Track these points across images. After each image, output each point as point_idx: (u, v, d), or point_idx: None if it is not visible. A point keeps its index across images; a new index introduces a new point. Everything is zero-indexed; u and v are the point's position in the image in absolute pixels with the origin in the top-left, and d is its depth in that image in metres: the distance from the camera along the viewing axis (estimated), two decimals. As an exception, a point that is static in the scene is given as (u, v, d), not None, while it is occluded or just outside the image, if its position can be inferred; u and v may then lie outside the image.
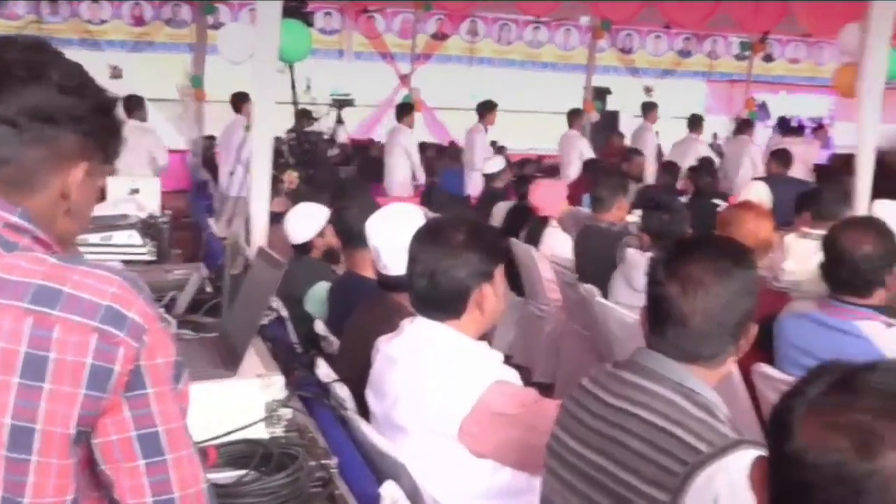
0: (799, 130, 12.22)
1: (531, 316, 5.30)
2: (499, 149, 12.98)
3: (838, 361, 1.03)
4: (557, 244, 5.05)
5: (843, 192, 4.61)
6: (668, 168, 8.00)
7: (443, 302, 1.98)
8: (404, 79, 12.32)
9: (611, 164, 8.29)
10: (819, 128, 13.91)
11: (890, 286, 2.69)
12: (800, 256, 4.29)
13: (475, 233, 2.02)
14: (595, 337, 4.08)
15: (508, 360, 2.06)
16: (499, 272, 2.04)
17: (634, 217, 6.51)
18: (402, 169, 8.98)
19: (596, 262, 4.33)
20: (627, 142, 10.16)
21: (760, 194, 5.49)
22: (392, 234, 2.48)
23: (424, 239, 2.02)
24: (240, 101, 8.43)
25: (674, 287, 1.61)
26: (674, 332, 1.61)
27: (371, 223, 2.56)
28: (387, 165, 9.11)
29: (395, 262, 2.47)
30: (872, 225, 2.78)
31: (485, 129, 9.42)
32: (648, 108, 10.61)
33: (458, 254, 1.96)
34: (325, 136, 9.80)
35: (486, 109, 9.45)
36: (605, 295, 3.90)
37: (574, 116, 9.87)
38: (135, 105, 7.81)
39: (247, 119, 8.82)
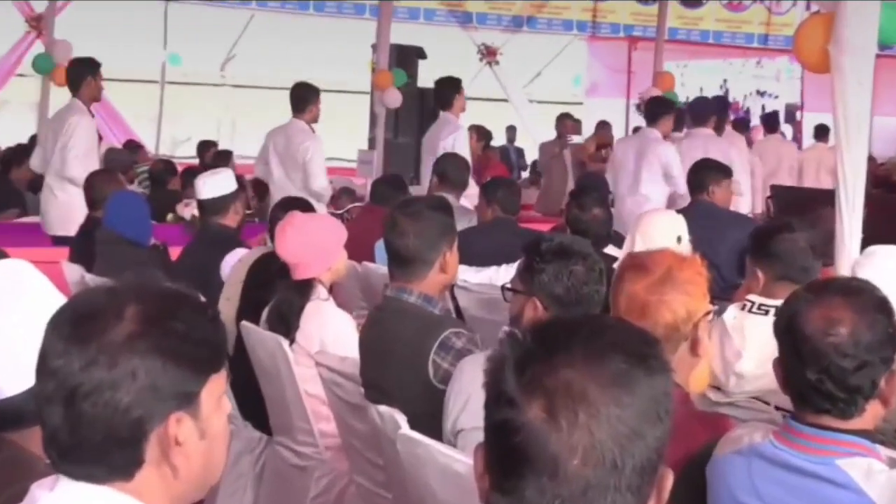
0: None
1: (283, 466, 5.28)
2: (220, 154, 12.94)
3: None
4: (329, 331, 5.09)
5: (821, 235, 4.87)
6: (493, 190, 7.84)
7: (96, 449, 1.95)
8: (38, 23, 12.11)
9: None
10: (739, 121, 14.52)
11: (889, 396, 2.86)
12: (758, 346, 4.43)
13: (161, 315, 2.00)
14: (399, 501, 4.10)
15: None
16: (210, 391, 2.04)
17: (472, 275, 6.64)
18: (70, 187, 8.99)
19: (400, 365, 4.36)
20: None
21: (670, 234, 5.62)
22: None
23: (65, 331, 1.98)
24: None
25: (535, 409, 1.65)
26: (536, 488, 1.65)
27: None
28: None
29: None
30: (855, 291, 2.92)
31: (311, 128, 9.62)
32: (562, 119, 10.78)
33: (122, 357, 1.94)
34: None
35: (308, 98, 9.57)
36: (416, 424, 3.94)
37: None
38: None
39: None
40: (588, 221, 6.65)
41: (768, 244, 4.82)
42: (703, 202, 7.62)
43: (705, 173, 7.80)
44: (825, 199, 7.65)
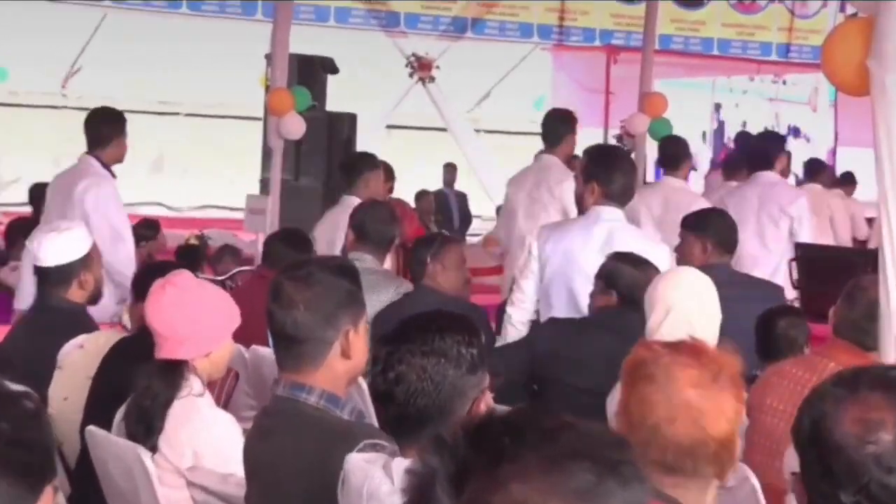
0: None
1: None
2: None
3: None
4: (205, 438, 5.20)
5: (862, 309, 5.35)
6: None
7: None
8: None
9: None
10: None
11: None
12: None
13: None
14: None
15: None
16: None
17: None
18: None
19: (300, 488, 4.47)
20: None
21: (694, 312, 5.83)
22: None
23: None
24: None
25: None
26: None
27: None
28: None
29: None
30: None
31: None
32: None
33: None
34: None
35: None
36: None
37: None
38: None
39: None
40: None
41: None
42: (725, 267, 7.85)
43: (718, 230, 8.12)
44: (864, 262, 8.22)
